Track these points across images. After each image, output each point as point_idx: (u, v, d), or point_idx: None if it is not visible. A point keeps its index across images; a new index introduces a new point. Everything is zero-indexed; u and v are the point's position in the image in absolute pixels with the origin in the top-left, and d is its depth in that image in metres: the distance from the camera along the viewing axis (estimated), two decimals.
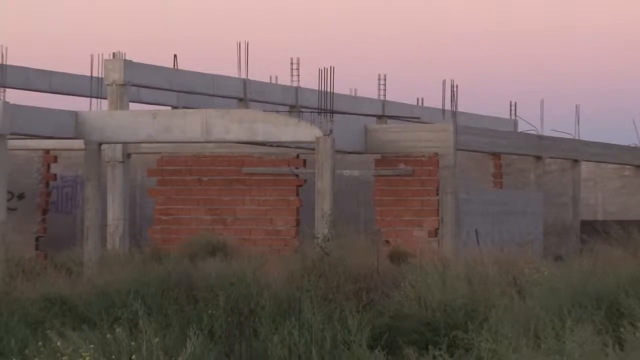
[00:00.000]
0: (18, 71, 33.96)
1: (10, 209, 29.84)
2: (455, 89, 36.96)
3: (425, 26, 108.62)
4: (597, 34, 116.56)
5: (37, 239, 33.60)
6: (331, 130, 29.32)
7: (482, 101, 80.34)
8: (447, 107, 37.00)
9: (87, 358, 10.75)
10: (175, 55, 37.21)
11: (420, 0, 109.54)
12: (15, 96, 32.19)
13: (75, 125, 30.29)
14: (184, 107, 35.50)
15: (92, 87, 34.33)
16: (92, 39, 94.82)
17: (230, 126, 29.84)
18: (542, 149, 38.09)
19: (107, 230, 30.15)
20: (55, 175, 34.84)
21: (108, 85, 33.41)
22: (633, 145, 46.47)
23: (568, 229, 37.51)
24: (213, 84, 37.36)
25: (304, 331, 13.90)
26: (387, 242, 29.08)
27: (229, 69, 37.48)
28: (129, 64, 33.63)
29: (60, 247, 30.47)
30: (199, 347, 11.53)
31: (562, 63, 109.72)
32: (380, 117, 40.78)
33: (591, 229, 37.27)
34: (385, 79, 41.84)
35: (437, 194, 31.27)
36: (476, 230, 30.75)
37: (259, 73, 38.66)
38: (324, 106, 35.72)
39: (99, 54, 34.32)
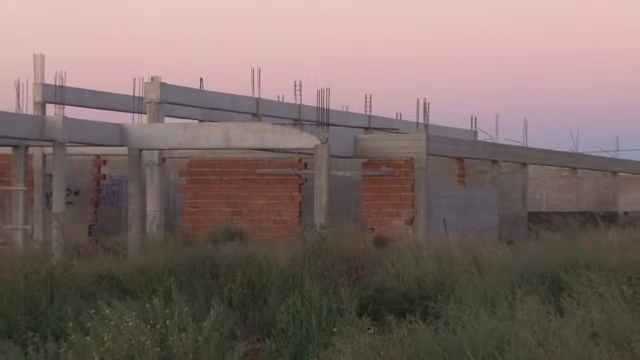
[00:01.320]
0: (74, 91, 33.91)
1: (68, 203, 29.82)
2: (426, 106, 37.05)
3: (402, 56, 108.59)
4: (541, 59, 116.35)
5: (90, 227, 33.58)
6: (327, 139, 29.32)
7: (448, 115, 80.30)
8: (420, 120, 37.02)
9: (130, 323, 10.75)
10: (201, 79, 37.22)
11: (399, 37, 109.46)
12: (72, 112, 32.16)
13: (120, 135, 30.28)
14: (208, 121, 35.41)
15: (134, 105, 34.29)
16: (134, 65, 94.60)
17: (246, 136, 29.85)
18: (496, 154, 38.12)
19: (147, 220, 30.12)
20: (104, 175, 34.81)
21: (147, 103, 33.42)
22: (570, 152, 46.54)
23: (518, 219, 37.52)
24: (231, 102, 37.34)
25: (305, 301, 13.90)
26: (372, 229, 29.07)
27: (245, 90, 37.50)
28: (164, 86, 33.65)
29: (108, 234, 30.49)
30: (220, 314, 11.53)
31: (513, 84, 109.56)
32: (367, 129, 40.69)
33: (536, 218, 37.25)
34: (370, 98, 41.86)
35: (413, 191, 31.27)
36: (444, 220, 30.67)
37: (268, 93, 38.69)
38: (321, 120, 35.71)
39: (140, 78, 34.38)
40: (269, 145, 30.14)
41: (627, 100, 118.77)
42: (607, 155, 49.57)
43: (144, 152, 30.51)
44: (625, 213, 44.01)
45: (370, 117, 42.02)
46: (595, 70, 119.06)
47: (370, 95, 42.37)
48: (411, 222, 30.84)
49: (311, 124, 35.13)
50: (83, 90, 35.11)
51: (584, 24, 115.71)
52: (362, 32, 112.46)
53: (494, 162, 37.42)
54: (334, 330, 12.35)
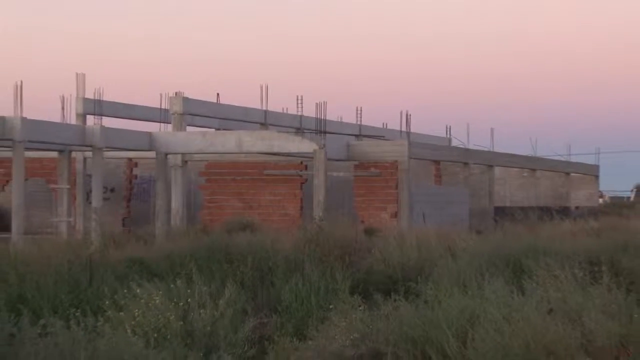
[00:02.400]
0: (110, 105, 33.89)
1: (104, 199, 29.84)
2: (408, 117, 37.10)
3: (388, 74, 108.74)
4: (505, 78, 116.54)
5: (123, 220, 33.56)
6: (324, 145, 29.31)
7: (426, 125, 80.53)
8: (403, 129, 37.01)
9: (157, 301, 10.72)
10: (217, 94, 37.27)
11: (385, 58, 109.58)
12: (108, 122, 32.13)
13: (149, 141, 30.26)
14: (223, 129, 35.38)
15: (161, 116, 34.32)
16: (161, 81, 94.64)
17: (255, 142, 29.83)
18: (467, 158, 38.11)
19: (171, 213, 30.12)
20: (135, 175, 34.79)
21: (172, 114, 33.41)
22: (529, 156, 46.56)
23: (485, 212, 37.52)
24: (243, 113, 37.30)
25: (305, 282, 13.87)
26: (362, 221, 29.04)
27: (255, 103, 37.49)
28: (186, 100, 33.65)
29: (139, 225, 30.43)
30: (234, 293, 11.51)
31: (482, 98, 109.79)
32: (358, 136, 40.63)
33: (501, 212, 37.31)
34: (361, 110, 41.85)
35: (396, 189, 31.26)
36: (423, 214, 30.72)
37: (274, 106, 38.69)
38: (319, 128, 35.80)
39: (165, 93, 34.51)
40: (275, 150, 30.17)
41: (578, 113, 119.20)
42: (561, 158, 49.63)
43: (169, 156, 30.52)
44: (576, 207, 44.08)
45: (360, 126, 42.03)
46: (552, 87, 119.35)
47: (361, 107, 42.57)
48: (395, 215, 30.84)
49: (311, 132, 35.17)
50: (117, 103, 35.12)
51: (541, 48, 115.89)
52: (354, 54, 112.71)
53: (465, 164, 37.43)
54: (330, 307, 12.33)
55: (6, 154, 29.54)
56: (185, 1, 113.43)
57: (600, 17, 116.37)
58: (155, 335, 10.17)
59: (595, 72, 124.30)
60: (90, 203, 28.86)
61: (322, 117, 36.65)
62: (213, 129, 36.00)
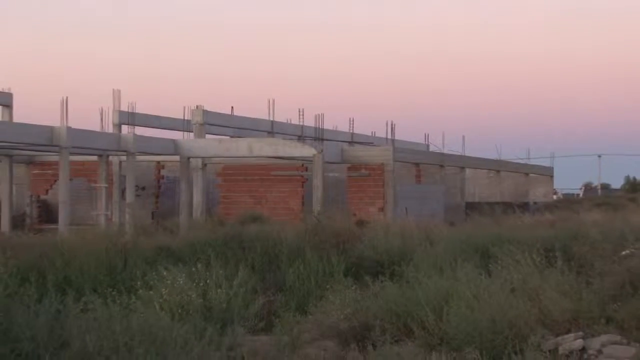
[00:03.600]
0: (141, 116, 33.81)
1: (136, 196, 29.84)
2: (393, 126, 37.16)
3: (376, 90, 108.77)
4: (473, 92, 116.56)
5: (152, 213, 33.51)
6: (322, 150, 29.28)
7: (408, 133, 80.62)
8: (389, 136, 37.02)
9: (181, 281, 10.72)
10: (232, 107, 37.16)
11: (373, 75, 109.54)
12: (139, 131, 32.06)
13: (174, 147, 30.25)
14: (237, 137, 35.34)
15: (184, 125, 34.28)
16: (184, 96, 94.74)
17: (264, 147, 29.80)
18: (443, 161, 38.10)
19: (193, 208, 30.10)
20: (163, 176, 34.74)
21: (193, 124, 33.42)
22: (495, 159, 46.59)
23: (458, 207, 37.50)
24: (253, 123, 37.25)
25: (306, 266, 13.88)
26: (354, 214, 28.88)
27: (263, 114, 37.47)
28: (205, 112, 33.67)
29: (166, 218, 30.39)
30: (245, 275, 11.51)
31: (455, 111, 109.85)
32: (350, 143, 40.56)
33: (471, 207, 37.23)
34: (353, 121, 41.83)
35: (383, 187, 31.22)
36: (405, 208, 30.69)
37: (280, 117, 38.63)
38: (318, 136, 35.79)
39: (188, 106, 34.50)
40: (280, 154, 30.14)
41: (536, 123, 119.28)
42: (521, 162, 49.72)
43: (191, 159, 30.52)
44: (534, 203, 44.00)
45: (352, 134, 41.99)
46: (514, 101, 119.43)
47: (353, 118, 42.69)
48: (382, 209, 30.80)
49: (310, 139, 35.14)
50: (147, 115, 35.07)
51: (504, 68, 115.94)
52: (348, 73, 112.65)
53: (441, 166, 37.41)
54: (327, 287, 12.32)
55: (54, 157, 29.67)
56: (205, 30, 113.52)
57: (560, 40, 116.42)
58: (179, 310, 10.16)
59: (550, 89, 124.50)
60: (124, 199, 28.85)
61: (320, 127, 36.67)
62: (228, 137, 35.97)
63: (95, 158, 30.05)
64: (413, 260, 13.83)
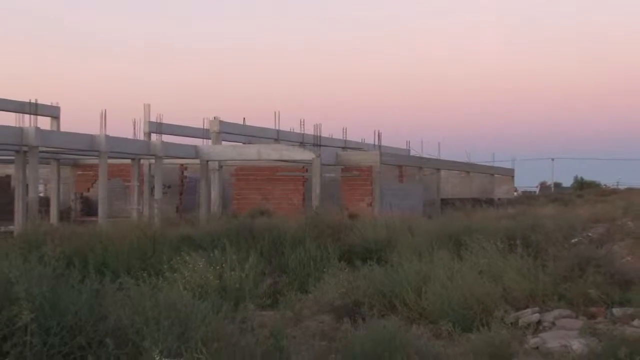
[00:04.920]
0: (167, 126, 33.78)
1: (164, 193, 29.83)
2: (379, 134, 37.26)
3: (365, 103, 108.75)
4: (447, 106, 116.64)
5: (177, 208, 33.54)
6: (319, 154, 29.31)
7: (392, 140, 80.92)
8: (376, 143, 37.05)
9: (201, 265, 10.69)
10: (244, 118, 37.18)
11: (363, 90, 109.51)
12: (166, 138, 32.04)
13: (195, 152, 30.25)
14: (248, 143, 35.35)
15: (203, 133, 34.27)
16: (203, 108, 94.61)
17: (271, 152, 29.80)
18: (422, 164, 38.10)
19: (211, 204, 30.09)
20: (186, 176, 34.76)
21: (211, 132, 33.39)
22: (465, 162, 46.59)
23: (434, 202, 37.53)
24: (262, 132, 37.25)
25: (306, 252, 13.88)
26: (347, 209, 28.89)
27: (270, 124, 37.51)
28: (221, 122, 33.66)
29: (188, 212, 30.44)
30: (255, 260, 11.47)
31: (432, 121, 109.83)
32: (344, 148, 40.56)
33: (445, 202, 37.32)
34: (346, 129, 41.87)
35: (371, 186, 31.26)
36: (390, 203, 30.71)
37: (284, 126, 38.67)
38: (316, 142, 35.76)
39: (207, 117, 34.51)
40: (285, 158, 30.14)
41: (500, 131, 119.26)
42: (487, 164, 49.67)
43: (209, 162, 30.51)
44: (498, 199, 44.07)
45: (346, 141, 42.02)
46: (480, 113, 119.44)
47: (346, 127, 42.89)
48: (370, 204, 30.82)
49: (310, 145, 35.13)
50: (172, 125, 35.08)
51: (472, 85, 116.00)
52: (341, 90, 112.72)
53: (420, 168, 37.42)
54: (324, 270, 12.32)
55: (94, 161, 29.64)
56: (220, 55, 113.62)
57: (519, 60, 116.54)
58: (199, 290, 10.13)
59: (512, 103, 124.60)
60: (153, 196, 28.82)
61: (318, 134, 36.69)
62: (240, 143, 35.98)
63: (129, 161, 30.04)
64: (396, 247, 13.85)
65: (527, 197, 51.93)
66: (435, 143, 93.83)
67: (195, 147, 30.83)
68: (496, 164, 51.19)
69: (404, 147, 46.08)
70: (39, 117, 28.19)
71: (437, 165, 40.10)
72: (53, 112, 32.89)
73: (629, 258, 12.48)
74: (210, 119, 33.82)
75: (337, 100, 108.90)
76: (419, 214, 26.53)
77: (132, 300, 5.87)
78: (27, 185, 24.73)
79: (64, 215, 31.59)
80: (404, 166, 36.67)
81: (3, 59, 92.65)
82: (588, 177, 66.30)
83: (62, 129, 31.79)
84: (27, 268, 5.69)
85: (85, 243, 13.90)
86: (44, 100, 31.32)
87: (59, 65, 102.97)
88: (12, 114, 29.40)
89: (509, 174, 50.65)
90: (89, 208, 34.19)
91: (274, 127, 37.22)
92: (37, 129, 24.14)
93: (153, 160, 29.31)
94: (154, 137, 32.41)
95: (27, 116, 27.59)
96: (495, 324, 8.90)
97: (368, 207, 30.26)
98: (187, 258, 11.05)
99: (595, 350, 8.02)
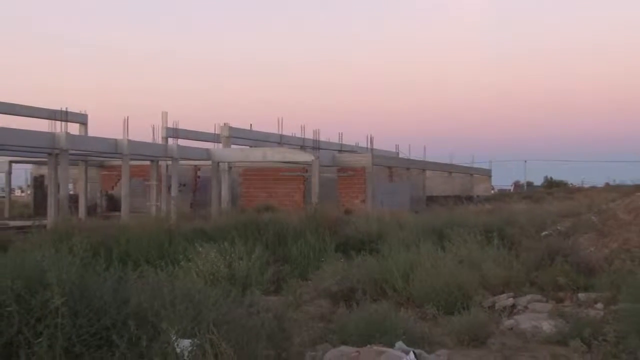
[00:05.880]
0: (182, 131, 33.61)
1: (179, 191, 29.76)
2: (372, 138, 37.32)
3: (358, 109, 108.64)
4: (433, 114, 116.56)
5: (191, 204, 33.51)
6: (318, 156, 29.27)
7: (383, 143, 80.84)
8: (369, 146, 37.03)
9: (212, 255, 10.69)
10: (251, 124, 37.16)
11: (355, 99, 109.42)
12: (181, 142, 32.03)
13: (207, 154, 30.20)
14: (254, 146, 35.33)
15: (214, 137, 34.23)
16: (215, 115, 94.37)
17: (275, 155, 29.76)
18: (409, 165, 38.05)
19: (221, 200, 30.04)
20: (199, 176, 34.76)
21: (222, 137, 33.33)
22: (448, 163, 46.51)
23: (420, 199, 37.52)
24: (267, 137, 37.19)
25: (306, 244, 13.86)
26: (343, 205, 28.89)
27: (274, 130, 37.49)
28: (231, 128, 33.57)
29: (202, 207, 30.40)
30: (260, 251, 11.48)
31: (418, 127, 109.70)
32: (340, 151, 40.53)
33: (430, 199, 37.32)
34: (342, 134, 42.26)
35: (365, 184, 31.25)
36: (381, 200, 30.71)
37: (287, 131, 38.63)
38: (315, 146, 35.73)
39: (217, 123, 34.54)
40: (287, 160, 30.09)
41: (479, 136, 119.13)
42: (467, 165, 49.63)
43: (220, 164, 30.45)
44: (477, 196, 44.05)
45: (341, 144, 41.99)
46: (463, 120, 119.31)
47: (342, 132, 43.27)
48: (364, 201, 30.79)
49: (310, 148, 35.10)
50: (187, 130, 35.02)
51: (456, 95, 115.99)
52: (338, 98, 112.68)
53: (408, 169, 37.40)
54: (322, 259, 12.32)
55: (118, 162, 29.59)
56: (230, 67, 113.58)
57: (498, 73, 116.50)
58: (211, 277, 10.14)
59: (489, 111, 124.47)
60: (170, 193, 28.79)
61: (317, 139, 36.66)
62: (248, 147, 35.97)
63: (148, 162, 30.00)
64: (387, 239, 13.84)
65: (503, 195, 51.94)
66: (421, 146, 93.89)
67: (207, 150, 30.79)
68: (475, 165, 51.12)
69: (394, 150, 46.08)
70: (69, 124, 28.21)
71: (423, 166, 40.09)
72: (81, 119, 32.87)
73: (592, 249, 12.49)
74: (221, 125, 33.79)
75: (334, 107, 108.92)
76: (407, 210, 26.52)
77: (151, 287, 5.87)
78: (58, 184, 24.77)
79: (90, 210, 31.58)
80: (394, 167, 36.66)
81: (39, 72, 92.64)
82: (557, 177, 66.29)
83: (90, 134, 31.76)
84: (58, 257, 5.69)
85: (110, 235, 13.88)
86: (73, 108, 31.42)
87: (87, 77, 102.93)
88: (46, 121, 29.59)
89: (486, 174, 50.64)
90: (113, 204, 34.18)
91: (277, 132, 37.20)
92: (68, 134, 24.23)
93: (170, 162, 29.27)
94: (170, 141, 32.36)
95: (58, 123, 27.72)
96: (475, 307, 8.92)
97: (361, 204, 30.25)
98: (200, 249, 11.06)
99: (562, 331, 8.05)
